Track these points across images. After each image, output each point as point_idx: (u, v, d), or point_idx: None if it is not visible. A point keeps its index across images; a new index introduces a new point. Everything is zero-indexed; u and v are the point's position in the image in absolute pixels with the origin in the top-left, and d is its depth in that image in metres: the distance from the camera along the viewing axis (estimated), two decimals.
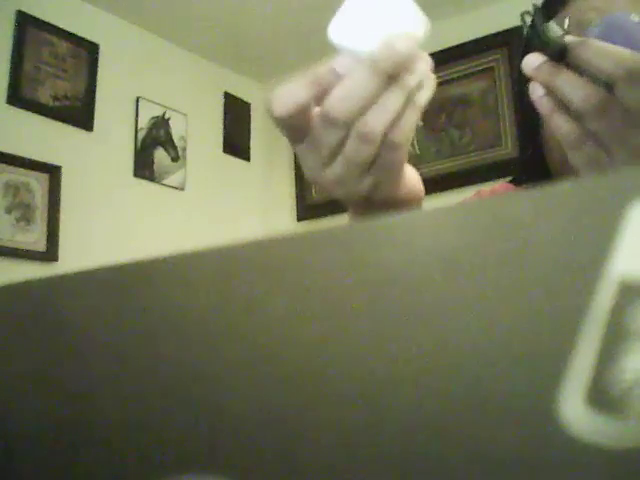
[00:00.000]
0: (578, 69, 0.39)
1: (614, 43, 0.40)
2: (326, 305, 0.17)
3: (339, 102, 0.38)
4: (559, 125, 0.41)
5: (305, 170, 0.43)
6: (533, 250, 0.15)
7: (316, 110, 0.40)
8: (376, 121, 0.38)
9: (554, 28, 0.40)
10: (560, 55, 0.40)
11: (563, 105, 0.40)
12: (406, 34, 0.39)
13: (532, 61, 0.41)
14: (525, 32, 0.43)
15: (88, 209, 2.00)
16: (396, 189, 0.43)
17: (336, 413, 0.16)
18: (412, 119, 0.40)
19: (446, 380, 0.15)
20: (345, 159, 0.40)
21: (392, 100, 0.38)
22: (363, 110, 0.38)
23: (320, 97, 0.40)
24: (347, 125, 0.39)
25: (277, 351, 0.17)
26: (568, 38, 0.40)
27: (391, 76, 0.38)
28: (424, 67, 0.40)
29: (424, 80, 0.40)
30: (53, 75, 1.98)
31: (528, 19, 0.43)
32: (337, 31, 0.39)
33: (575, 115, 0.40)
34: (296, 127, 0.41)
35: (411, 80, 0.39)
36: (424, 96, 0.40)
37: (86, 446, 0.18)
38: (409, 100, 0.39)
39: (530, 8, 0.44)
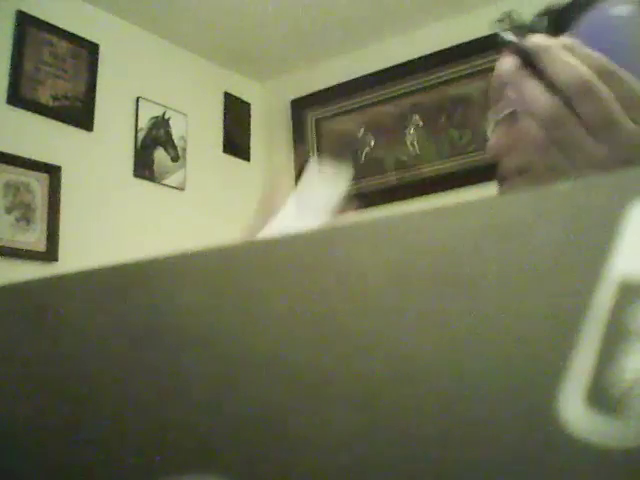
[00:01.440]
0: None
1: (592, 41, 0.41)
2: (326, 305, 0.17)
3: None
4: (528, 128, 0.43)
5: None
6: (533, 250, 0.15)
7: None
8: None
9: (511, 35, 0.42)
10: (529, 60, 0.41)
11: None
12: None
13: (504, 65, 0.43)
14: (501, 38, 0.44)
15: (88, 209, 2.00)
16: None
17: (336, 413, 0.16)
18: None
19: (446, 380, 0.15)
20: None
21: None
22: None
23: None
24: None
25: (277, 351, 0.17)
26: (534, 43, 0.41)
27: None
28: None
29: None
30: (53, 75, 1.98)
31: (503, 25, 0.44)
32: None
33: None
34: None
35: None
36: None
37: (86, 446, 0.18)
38: None
39: (527, 11, 0.44)
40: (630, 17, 0.42)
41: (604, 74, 0.40)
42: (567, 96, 0.40)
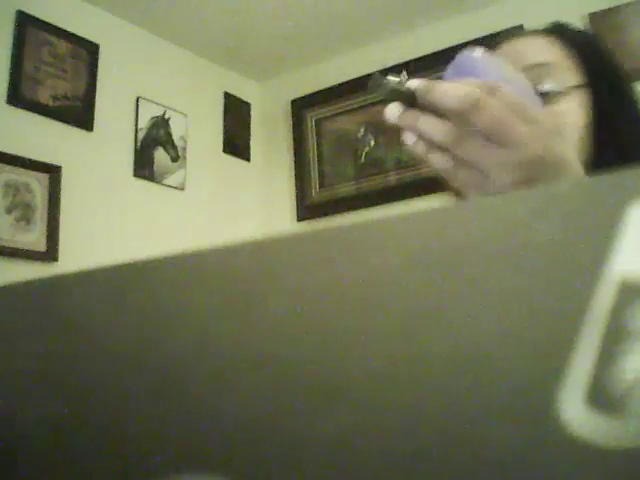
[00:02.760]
0: (431, 108, 0.45)
1: (458, 78, 0.46)
2: (326, 305, 0.17)
3: None
4: (435, 162, 0.46)
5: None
6: (533, 250, 0.15)
7: None
8: None
9: (393, 79, 0.46)
10: (413, 100, 0.45)
11: (432, 143, 0.45)
12: None
13: (392, 112, 0.46)
14: (376, 90, 0.47)
15: (88, 209, 2.00)
16: None
17: (336, 413, 0.16)
18: None
19: (446, 380, 0.15)
20: None
21: None
22: None
23: None
24: None
25: (277, 351, 0.17)
26: (413, 84, 0.45)
27: None
28: None
29: None
30: (53, 75, 1.98)
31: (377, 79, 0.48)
32: None
33: (443, 149, 0.45)
34: None
35: None
36: None
37: (86, 446, 0.18)
38: None
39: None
40: (483, 57, 0.51)
41: (489, 89, 0.43)
42: (461, 117, 0.43)
